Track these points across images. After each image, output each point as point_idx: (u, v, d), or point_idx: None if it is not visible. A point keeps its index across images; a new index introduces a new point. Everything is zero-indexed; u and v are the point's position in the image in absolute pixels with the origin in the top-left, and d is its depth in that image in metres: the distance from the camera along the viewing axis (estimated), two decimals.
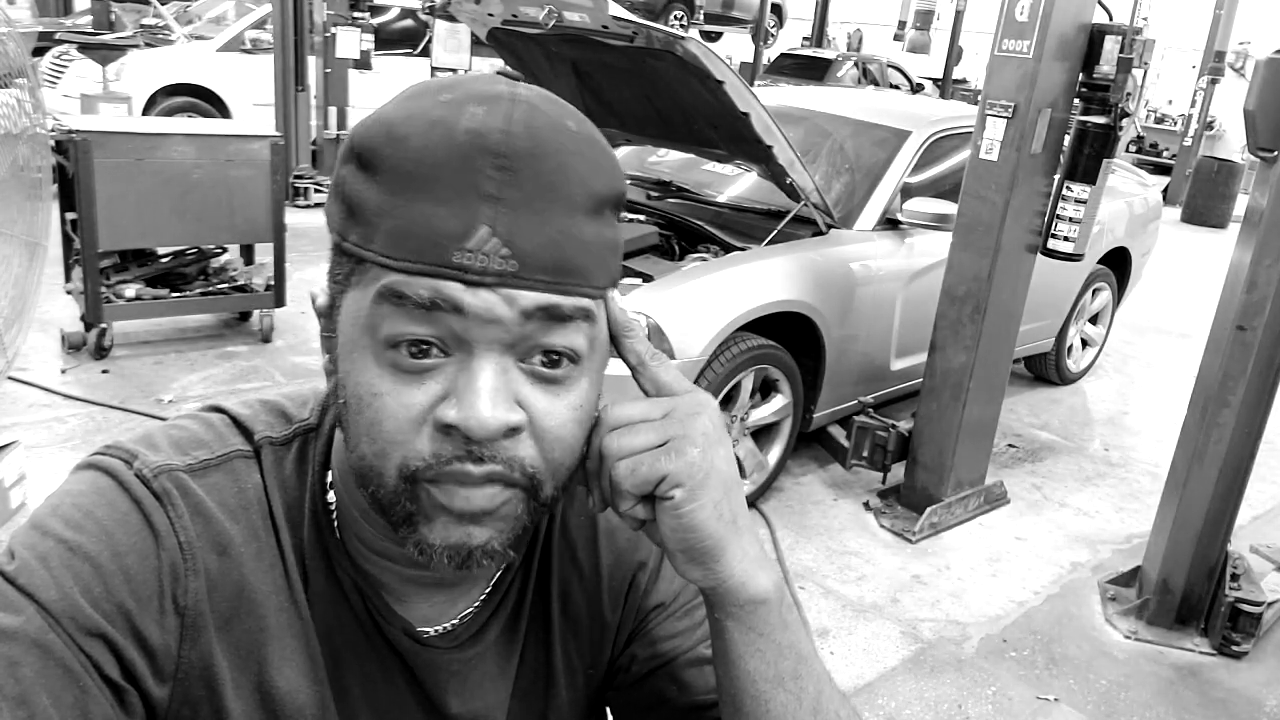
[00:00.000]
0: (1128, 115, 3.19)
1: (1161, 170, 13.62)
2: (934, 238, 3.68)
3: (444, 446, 0.55)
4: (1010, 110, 3.04)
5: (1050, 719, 2.56)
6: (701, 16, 13.98)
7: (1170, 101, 17.13)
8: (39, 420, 3.54)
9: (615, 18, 3.02)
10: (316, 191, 7.16)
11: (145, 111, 7.51)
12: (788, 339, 3.38)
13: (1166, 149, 15.81)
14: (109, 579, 0.58)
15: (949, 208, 3.46)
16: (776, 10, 15.76)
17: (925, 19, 14.93)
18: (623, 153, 4.44)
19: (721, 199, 3.99)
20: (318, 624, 0.66)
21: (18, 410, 3.58)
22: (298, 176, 7.09)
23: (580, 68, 3.71)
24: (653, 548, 0.77)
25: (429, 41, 8.59)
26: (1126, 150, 15.37)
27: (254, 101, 7.90)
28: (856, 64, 14.78)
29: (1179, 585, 2.93)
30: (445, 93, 0.55)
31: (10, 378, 3.45)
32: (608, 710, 0.83)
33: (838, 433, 3.66)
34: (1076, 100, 3.15)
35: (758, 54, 13.62)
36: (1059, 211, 3.21)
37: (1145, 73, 4.65)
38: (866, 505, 3.60)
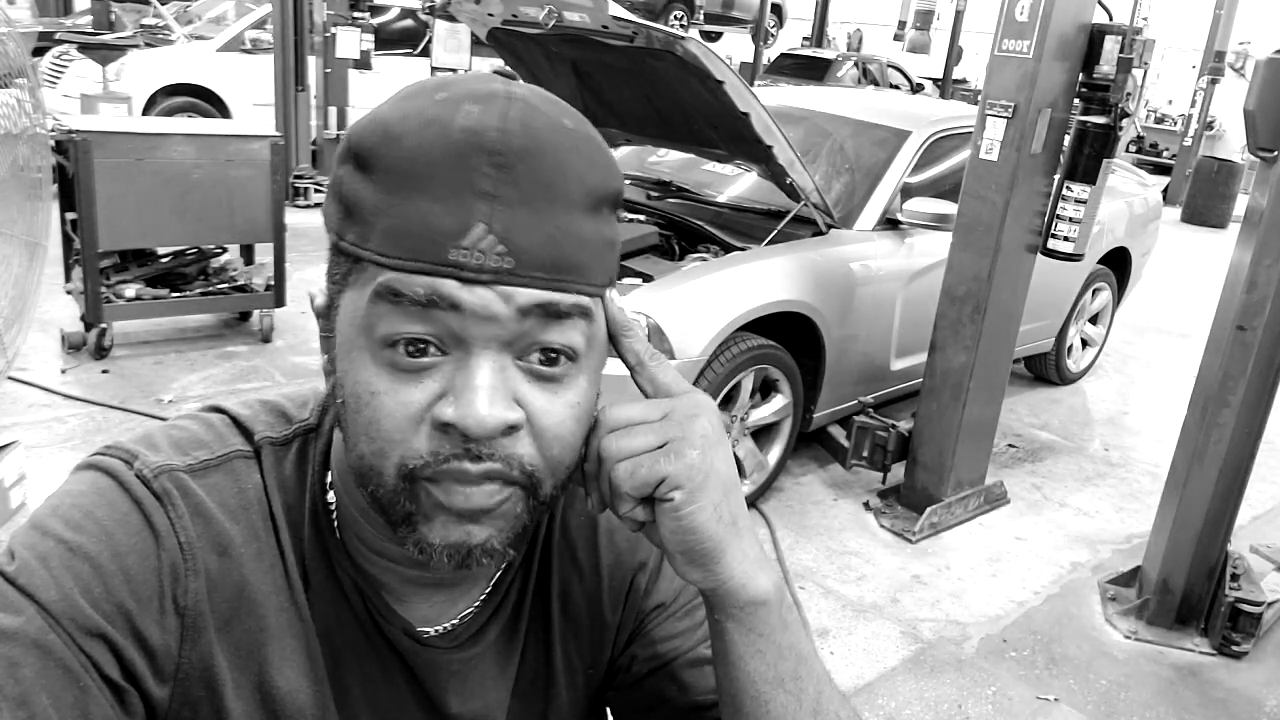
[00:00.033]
0: (1128, 115, 3.19)
1: (1161, 170, 13.62)
2: (934, 238, 3.68)
3: (442, 445, 0.55)
4: (1010, 110, 3.04)
5: (1050, 719, 2.56)
6: (701, 16, 13.98)
7: (1170, 101, 17.13)
8: (39, 420, 3.54)
9: (615, 18, 3.02)
10: (316, 191, 7.17)
11: (145, 111, 7.51)
12: (788, 339, 3.38)
13: (1166, 149, 15.81)
14: (109, 579, 0.58)
15: (949, 208, 3.46)
16: (776, 10, 15.76)
17: (925, 19, 14.94)
18: (623, 153, 4.44)
19: (721, 199, 3.99)
20: (318, 624, 0.66)
21: (18, 410, 3.58)
22: (298, 176, 7.09)
23: (580, 68, 3.71)
24: (653, 548, 0.77)
25: (429, 41, 8.59)
26: (1126, 150, 15.37)
27: (254, 101, 7.90)
28: (856, 64, 14.78)
29: (1179, 585, 2.93)
30: (441, 91, 0.55)
31: (10, 378, 3.45)
32: (608, 710, 0.83)
33: (838, 433, 3.66)
34: (1076, 100, 3.15)
35: (758, 54, 13.62)
36: (1059, 211, 3.21)
37: (1145, 73, 4.65)
38: (866, 505, 3.60)
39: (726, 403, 3.27)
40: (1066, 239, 3.22)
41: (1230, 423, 2.76)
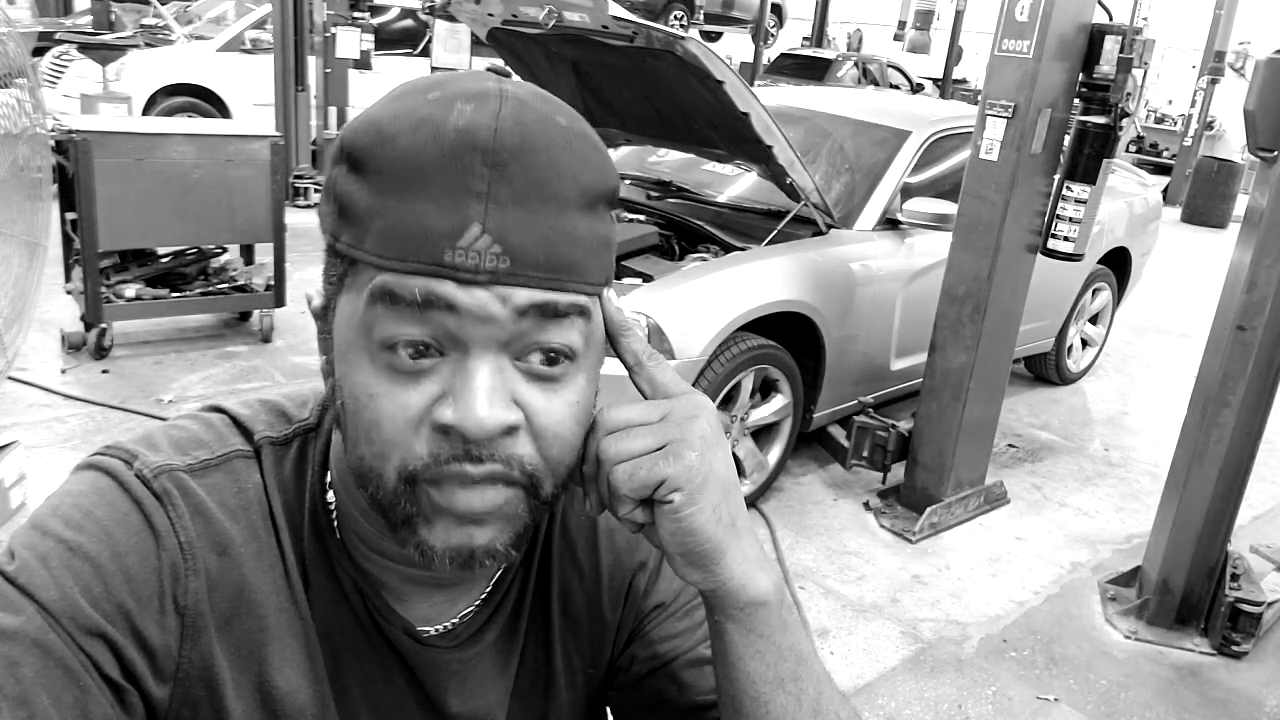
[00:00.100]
0: (1128, 115, 3.19)
1: (1161, 170, 13.62)
2: (934, 238, 3.68)
3: (442, 447, 0.55)
4: (1010, 110, 3.04)
5: (1050, 719, 2.56)
6: (701, 16, 13.97)
7: (1170, 101, 17.13)
8: (39, 420, 3.54)
9: (615, 18, 3.02)
10: (316, 191, 7.16)
11: (145, 111, 7.51)
12: (788, 339, 3.38)
13: (1166, 149, 15.81)
14: (109, 579, 0.58)
15: (949, 208, 3.46)
16: (776, 10, 15.75)
17: (925, 19, 14.93)
18: (623, 153, 4.44)
19: (721, 199, 3.99)
20: (318, 624, 0.66)
21: (18, 410, 3.58)
22: (298, 176, 7.09)
23: (580, 68, 3.71)
24: (653, 548, 0.77)
25: (429, 41, 8.58)
26: (1126, 150, 15.37)
27: (254, 101, 7.90)
28: (856, 64, 14.78)
29: (1179, 585, 2.93)
30: (434, 91, 0.55)
31: (10, 378, 3.45)
32: (608, 710, 0.83)
33: (838, 433, 3.66)
34: (1076, 100, 3.15)
35: (758, 54, 13.62)
36: (1059, 211, 3.21)
37: (1145, 73, 4.65)
38: (866, 505, 3.60)
39: (726, 403, 3.27)
40: (1066, 239, 3.22)
41: (1230, 423, 2.76)
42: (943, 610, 3.01)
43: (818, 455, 3.91)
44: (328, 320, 0.59)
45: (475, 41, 7.28)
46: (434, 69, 7.98)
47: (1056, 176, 3.23)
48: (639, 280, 3.21)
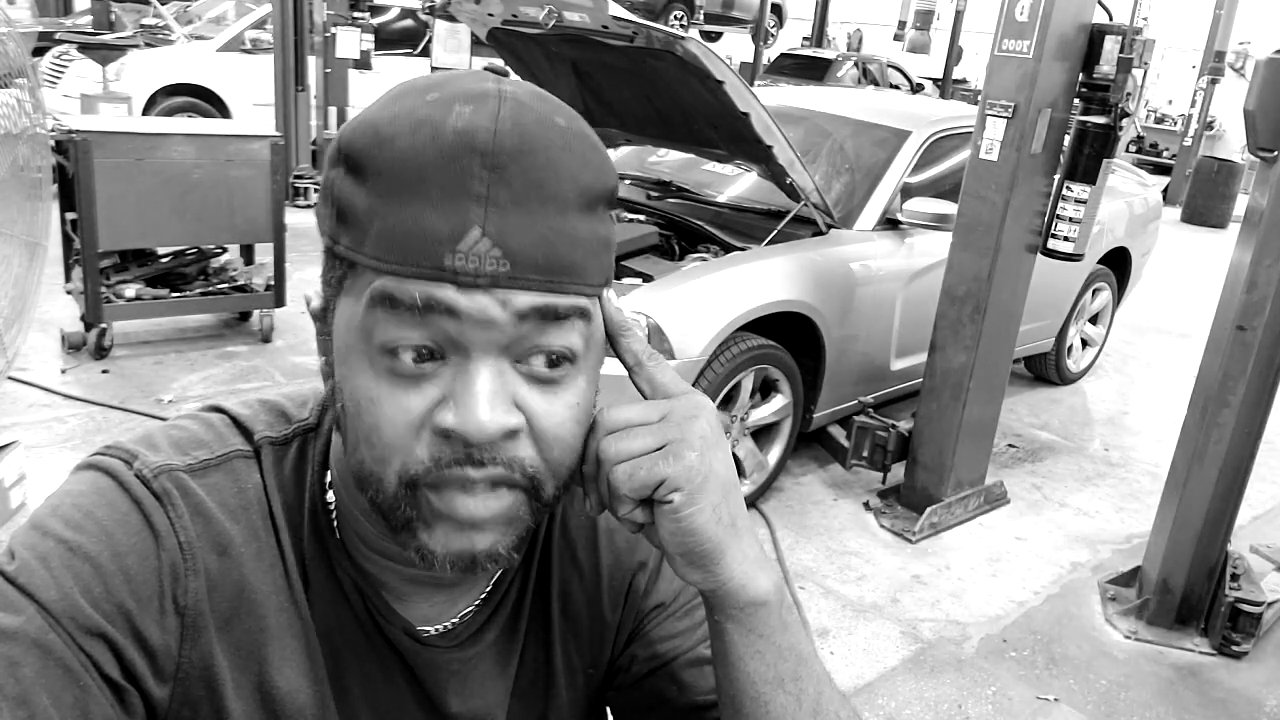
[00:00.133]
0: (1128, 115, 3.19)
1: (1161, 170, 13.62)
2: (934, 238, 3.68)
3: (443, 451, 0.55)
4: (1010, 110, 3.04)
5: (1050, 719, 2.56)
6: (701, 16, 13.97)
7: (1170, 101, 17.13)
8: (39, 420, 3.54)
9: (615, 18, 3.02)
10: (316, 191, 7.13)
11: (145, 111, 7.51)
12: (788, 339, 3.38)
13: (1166, 149, 15.81)
14: (109, 579, 0.58)
15: (949, 208, 3.46)
16: (776, 10, 15.76)
17: (925, 19, 14.93)
18: (623, 153, 4.44)
19: (721, 199, 3.99)
20: (318, 624, 0.66)
21: (18, 410, 3.58)
22: (298, 176, 7.09)
23: (580, 68, 3.71)
24: (653, 548, 0.77)
25: (429, 41, 8.58)
26: (1126, 150, 15.37)
27: (254, 101, 7.90)
28: (856, 64, 14.78)
29: (1179, 585, 2.93)
30: (432, 92, 0.54)
31: (10, 378, 3.45)
32: (608, 710, 0.83)
33: (838, 433, 3.66)
34: (1076, 100, 3.15)
35: (758, 54, 13.61)
36: (1059, 211, 3.21)
37: (1145, 73, 4.65)
38: (866, 505, 3.60)
39: (726, 403, 3.27)
40: (1066, 239, 3.22)
41: (1230, 423, 2.76)
42: (943, 610, 3.01)
43: (818, 455, 3.91)
44: (327, 322, 0.59)
45: (475, 41, 7.28)
46: (434, 69, 7.99)
47: (1056, 176, 3.23)
48: (639, 280, 3.21)
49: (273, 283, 4.43)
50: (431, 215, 0.52)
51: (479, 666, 0.72)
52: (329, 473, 0.67)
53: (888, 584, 3.12)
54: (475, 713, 0.72)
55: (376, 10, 8.74)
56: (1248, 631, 2.86)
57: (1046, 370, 5.11)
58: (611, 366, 0.61)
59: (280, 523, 0.66)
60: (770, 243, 3.42)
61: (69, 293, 4.19)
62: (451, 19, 6.74)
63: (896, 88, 14.72)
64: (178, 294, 4.26)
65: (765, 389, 3.44)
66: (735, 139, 3.40)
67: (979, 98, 3.19)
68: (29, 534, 0.59)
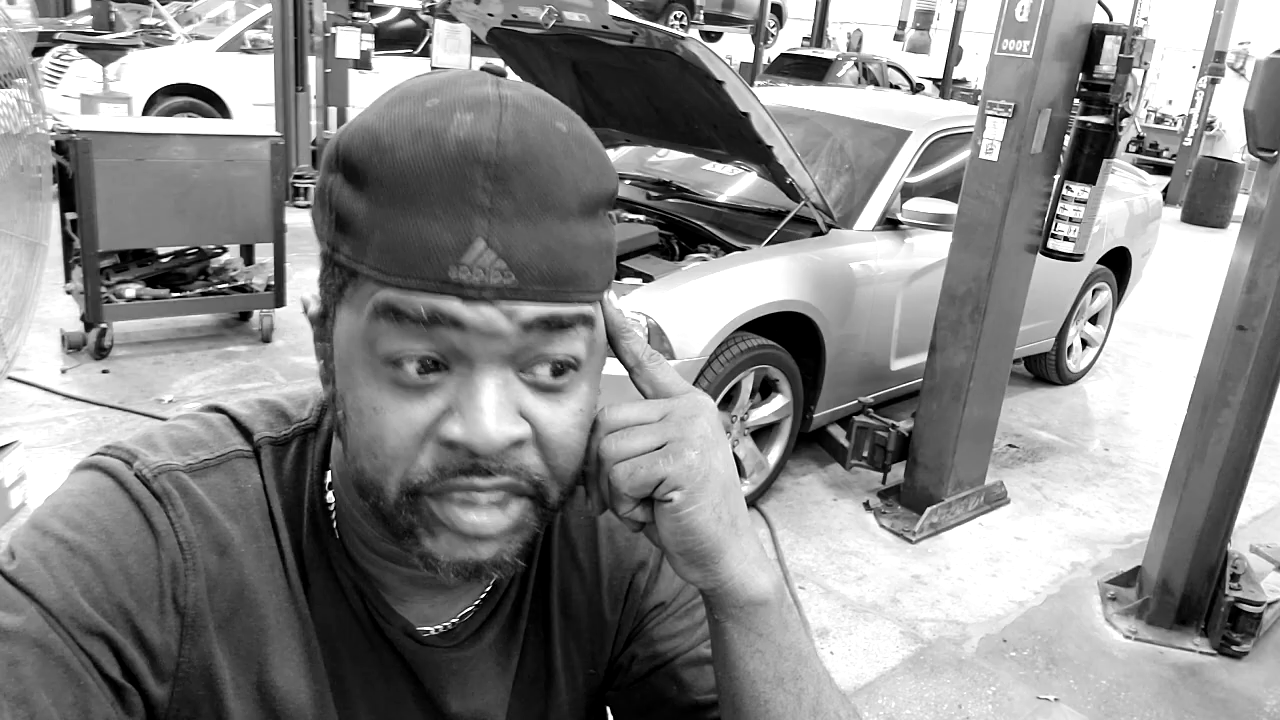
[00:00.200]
0: (1128, 115, 3.19)
1: (1161, 170, 13.63)
2: (934, 238, 3.68)
3: (448, 461, 0.55)
4: (1010, 110, 3.04)
5: (1050, 719, 2.56)
6: (701, 16, 13.97)
7: (1170, 101, 17.14)
8: (39, 420, 3.54)
9: (615, 18, 3.02)
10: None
11: (145, 111, 7.51)
12: (788, 339, 3.38)
13: (1166, 149, 15.81)
14: (109, 579, 0.58)
15: (949, 208, 3.46)
16: (776, 10, 15.76)
17: (925, 19, 14.92)
18: (623, 153, 4.44)
19: (721, 199, 3.99)
20: (317, 623, 0.66)
21: (18, 410, 3.58)
22: (298, 176, 7.09)
23: (580, 68, 3.71)
24: (653, 547, 0.77)
25: (429, 41, 8.59)
26: (1126, 150, 15.37)
27: (254, 101, 7.90)
28: (856, 64, 14.78)
29: (1179, 585, 2.93)
30: (431, 97, 0.53)
31: (10, 378, 3.45)
32: (608, 710, 0.83)
33: (838, 433, 3.66)
34: (1076, 100, 3.15)
35: (758, 54, 13.62)
36: (1059, 211, 3.21)
37: (1145, 73, 4.66)
38: (866, 505, 3.60)
39: (726, 403, 3.27)
40: (1066, 239, 3.22)
41: (1230, 423, 2.76)
42: (943, 610, 3.01)
43: (818, 455, 3.91)
44: (326, 328, 0.59)
45: (475, 41, 7.28)
46: (434, 69, 7.99)
47: (1056, 176, 3.23)
48: (639, 280, 3.21)
49: (273, 283, 4.43)
50: (435, 227, 0.51)
51: (479, 666, 0.72)
52: (328, 473, 0.67)
53: (888, 584, 3.12)
54: (475, 712, 0.72)
55: (376, 10, 8.74)
56: (1248, 631, 2.86)
57: (1046, 370, 5.11)
58: (612, 367, 0.61)
59: (280, 523, 0.66)
60: (770, 243, 3.42)
61: (69, 293, 4.19)
62: (451, 19, 6.74)
63: (896, 88, 14.72)
64: (178, 294, 4.26)
65: (765, 389, 3.44)
66: (735, 139, 3.40)
67: (979, 98, 3.19)
68: (29, 533, 0.59)
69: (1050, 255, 3.29)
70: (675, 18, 13.10)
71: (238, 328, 4.67)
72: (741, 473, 3.41)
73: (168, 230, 4.11)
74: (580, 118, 0.58)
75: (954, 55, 14.62)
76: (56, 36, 7.97)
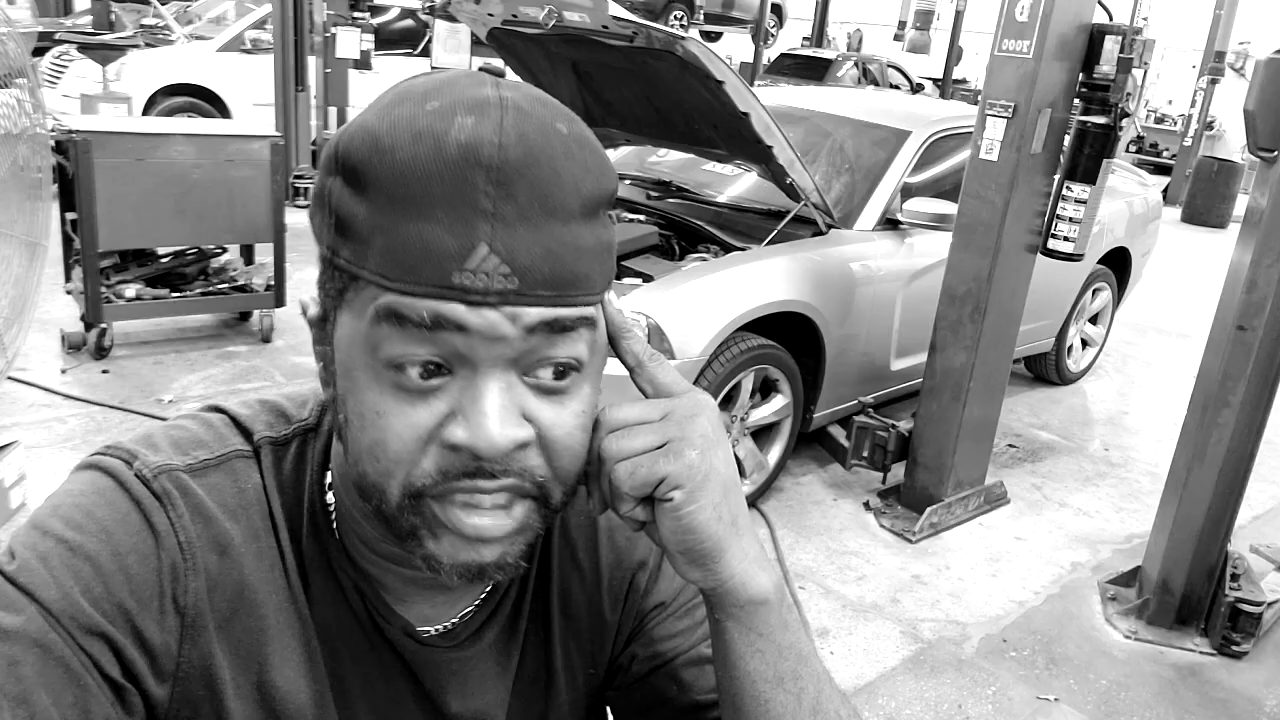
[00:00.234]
0: (1128, 115, 3.19)
1: (1161, 170, 13.63)
2: (934, 238, 3.68)
3: (452, 464, 0.55)
4: (1010, 110, 3.04)
5: (1050, 719, 2.56)
6: (701, 16, 13.97)
7: (1170, 101, 17.14)
8: (39, 420, 3.54)
9: (615, 18, 3.02)
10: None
11: (145, 111, 7.51)
12: (788, 339, 3.38)
13: (1166, 149, 15.82)
14: (109, 579, 0.58)
15: (949, 208, 3.46)
16: (776, 10, 15.76)
17: (925, 19, 14.92)
18: (623, 153, 4.44)
19: (721, 199, 3.99)
20: (317, 624, 0.66)
21: (18, 410, 3.58)
22: (298, 176, 7.09)
23: (580, 68, 3.71)
24: (653, 547, 0.77)
25: (429, 41, 8.59)
26: (1126, 150, 15.37)
27: (254, 101, 7.90)
28: (856, 64, 14.78)
29: (1179, 585, 2.93)
30: (431, 99, 0.53)
31: (10, 378, 3.45)
32: (608, 710, 0.83)
33: (838, 433, 3.66)
34: (1076, 100, 3.15)
35: (758, 54, 13.62)
36: (1059, 211, 3.21)
37: (1145, 73, 4.66)
38: (866, 505, 3.60)
39: (726, 403, 3.27)
40: (1066, 239, 3.22)
41: (1230, 423, 2.76)
42: (943, 610, 3.01)
43: (818, 455, 3.91)
44: (325, 331, 0.58)
45: (475, 41, 7.28)
46: (434, 69, 7.99)
47: (1056, 176, 3.23)
48: (639, 280, 3.21)
49: (273, 283, 4.43)
50: (438, 231, 0.51)
51: (479, 666, 0.72)
52: (328, 473, 0.67)
53: (888, 584, 3.12)
54: (475, 712, 0.72)
55: (376, 10, 8.74)
56: (1248, 631, 2.86)
57: (1046, 370, 5.11)
58: (613, 366, 0.61)
59: (280, 523, 0.66)
60: (770, 243, 3.42)
61: (69, 293, 4.19)
62: (451, 19, 6.74)
63: (896, 88, 14.72)
64: (178, 294, 4.26)
65: (765, 389, 3.44)
66: (735, 139, 3.40)
67: (979, 98, 3.19)
68: (29, 533, 0.59)
69: (1050, 255, 3.29)
70: (675, 18, 13.10)
71: (238, 328, 4.67)
72: (741, 473, 3.40)
73: (168, 230, 4.11)
74: (579, 118, 0.57)
75: (954, 55, 14.62)
76: (56, 36, 7.97)
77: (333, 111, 7.36)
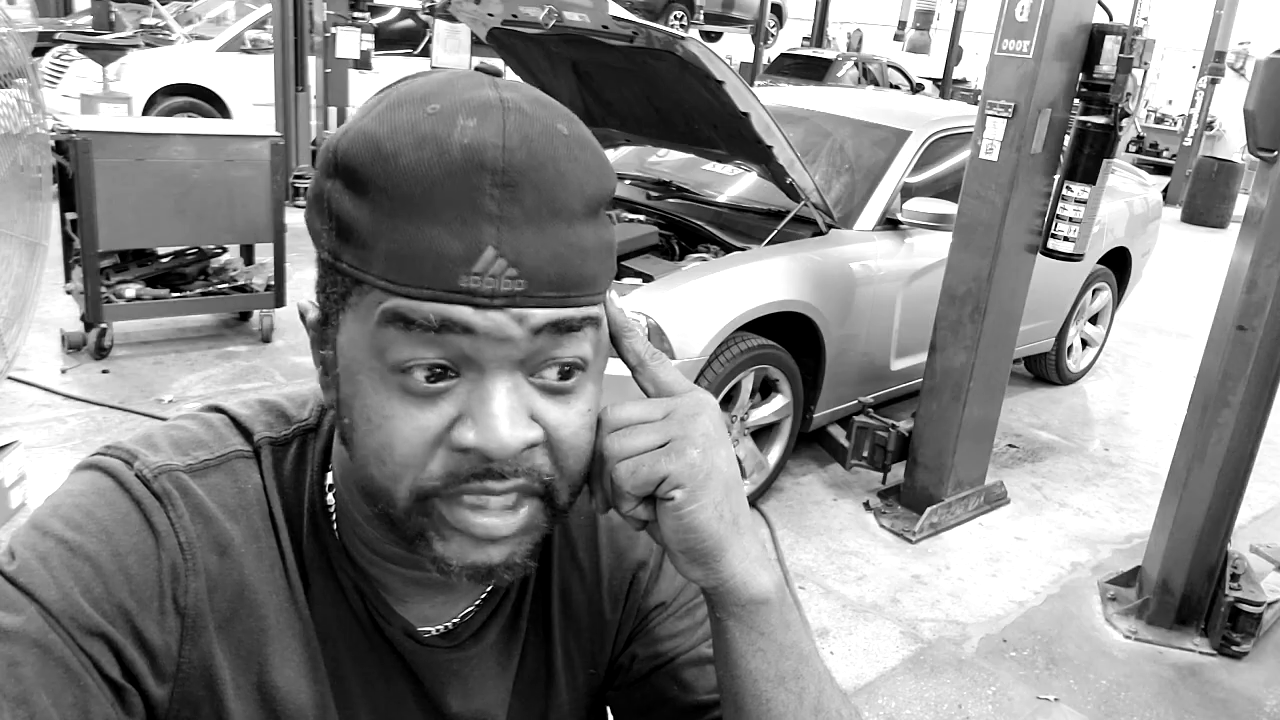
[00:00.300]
0: (1128, 115, 3.19)
1: (1161, 170, 13.63)
2: (934, 238, 3.68)
3: (460, 465, 0.55)
4: (1010, 110, 3.04)
5: (1050, 719, 2.56)
6: (701, 16, 13.97)
7: (1170, 101, 17.14)
8: (39, 420, 3.54)
9: (615, 18, 3.02)
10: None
11: (145, 111, 7.51)
12: (788, 339, 3.38)
13: (1166, 149, 15.82)
14: (109, 579, 0.58)
15: (949, 208, 3.46)
16: (776, 10, 15.76)
17: (925, 19, 14.92)
18: (623, 153, 4.44)
19: (721, 199, 3.99)
20: (318, 624, 0.66)
21: (18, 410, 3.58)
22: (298, 176, 7.09)
23: (580, 68, 3.71)
24: (653, 546, 0.77)
25: (429, 41, 8.59)
26: (1126, 150, 15.37)
27: (254, 101, 7.90)
28: (856, 64, 14.78)
29: (1179, 585, 2.93)
30: (431, 102, 0.53)
31: (10, 378, 3.45)
32: (608, 709, 0.83)
33: (838, 433, 3.66)
34: (1076, 100, 3.15)
35: (758, 54, 13.62)
36: (1059, 211, 3.21)
37: (1145, 73, 4.66)
38: (866, 505, 3.60)
39: (726, 403, 3.27)
40: (1066, 239, 3.22)
41: (1230, 423, 2.76)
42: (943, 610, 3.01)
43: (818, 455, 3.91)
44: (326, 334, 0.58)
45: (475, 41, 7.28)
46: (434, 68, 7.99)
47: (1056, 176, 3.23)
48: (639, 280, 3.21)
49: (273, 283, 4.43)
50: (443, 235, 0.51)
51: (479, 667, 0.72)
52: (329, 474, 0.67)
53: (888, 584, 3.12)
54: (475, 713, 0.72)
55: (376, 10, 8.75)
56: (1248, 631, 2.86)
57: (1046, 370, 5.11)
58: (615, 366, 0.61)
59: (280, 523, 0.65)
60: (770, 243, 3.42)
61: (69, 293, 4.19)
62: (451, 19, 6.74)
63: (896, 88, 14.72)
64: (178, 294, 4.26)
65: (765, 389, 3.44)
66: (735, 139, 3.39)
67: (979, 98, 3.19)
68: (29, 534, 0.59)
69: (1050, 255, 3.29)
70: (675, 18, 13.10)
71: (238, 328, 4.67)
72: (742, 473, 3.38)
73: (168, 230, 4.11)
74: (578, 118, 0.57)
75: (954, 55, 14.62)
76: (56, 36, 7.97)
77: (333, 111, 7.35)
